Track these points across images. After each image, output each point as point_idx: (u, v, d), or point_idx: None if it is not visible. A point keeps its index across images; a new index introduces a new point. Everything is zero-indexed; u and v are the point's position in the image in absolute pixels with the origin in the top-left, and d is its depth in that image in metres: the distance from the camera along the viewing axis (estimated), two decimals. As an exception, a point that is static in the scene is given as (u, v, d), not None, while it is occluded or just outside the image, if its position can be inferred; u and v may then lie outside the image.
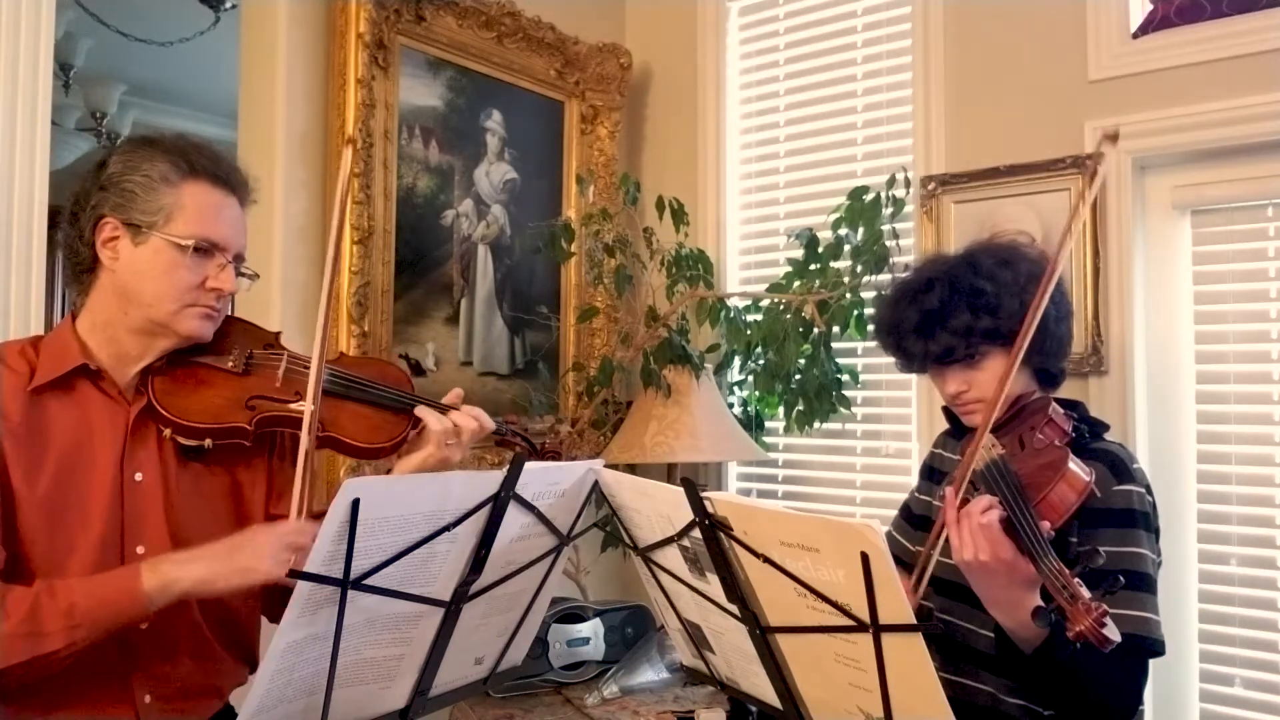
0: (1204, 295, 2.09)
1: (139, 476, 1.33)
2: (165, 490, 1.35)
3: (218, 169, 1.37)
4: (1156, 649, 1.41)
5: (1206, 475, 2.07)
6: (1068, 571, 1.22)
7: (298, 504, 1.28)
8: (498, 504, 1.20)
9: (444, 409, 1.48)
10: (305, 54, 2.12)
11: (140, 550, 1.31)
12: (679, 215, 2.52)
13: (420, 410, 1.46)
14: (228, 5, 3.57)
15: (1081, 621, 1.17)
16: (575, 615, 2.27)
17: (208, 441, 1.37)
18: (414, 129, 2.33)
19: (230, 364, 1.41)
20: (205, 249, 1.33)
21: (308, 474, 1.30)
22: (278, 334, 1.51)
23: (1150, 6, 2.09)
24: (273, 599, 1.46)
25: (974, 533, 1.30)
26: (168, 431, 1.35)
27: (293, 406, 1.39)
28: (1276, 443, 2.00)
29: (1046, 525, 1.29)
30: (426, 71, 2.36)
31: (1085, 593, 1.20)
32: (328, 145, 2.14)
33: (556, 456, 1.64)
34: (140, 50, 4.03)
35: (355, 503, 1.05)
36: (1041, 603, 1.27)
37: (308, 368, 1.41)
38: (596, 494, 1.36)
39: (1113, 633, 1.17)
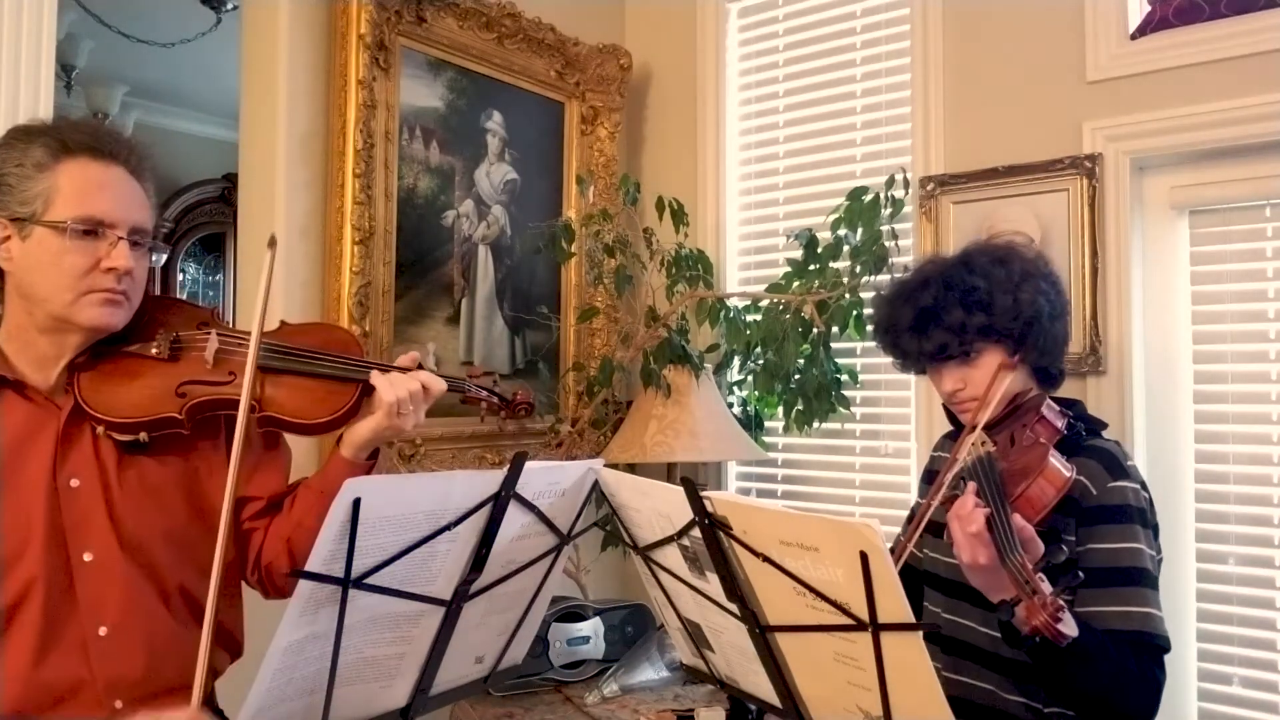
0: (1202, 295, 2.09)
1: (75, 482, 1.28)
2: (106, 492, 1.29)
3: (95, 142, 1.28)
4: (1160, 644, 1.41)
5: (1204, 475, 2.07)
6: (1030, 567, 1.23)
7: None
8: (498, 503, 1.20)
9: (392, 369, 1.41)
10: (306, 55, 2.13)
11: (88, 557, 1.27)
12: (679, 215, 2.52)
13: (375, 378, 1.38)
14: (229, 6, 3.58)
15: (1036, 616, 1.18)
16: (575, 614, 2.27)
17: (143, 435, 1.30)
18: (415, 130, 2.33)
19: (155, 350, 1.34)
20: (91, 229, 1.25)
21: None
22: (214, 309, 1.44)
23: (1148, 7, 2.10)
24: (271, 580, 1.42)
25: (967, 539, 1.32)
26: (101, 430, 1.29)
27: (225, 389, 1.32)
28: (1274, 442, 2.00)
29: (1019, 520, 1.30)
30: (427, 72, 2.36)
31: (1047, 588, 1.21)
32: (329, 146, 2.14)
33: (529, 408, 1.57)
34: (142, 51, 4.05)
35: (356, 502, 1.05)
36: (1007, 598, 1.28)
37: (240, 344, 1.35)
38: (596, 493, 1.37)
39: (1068, 628, 1.18)
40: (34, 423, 1.29)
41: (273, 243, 1.29)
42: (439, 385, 1.42)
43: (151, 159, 1.36)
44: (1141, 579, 1.43)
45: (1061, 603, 1.18)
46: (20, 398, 1.29)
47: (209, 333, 1.37)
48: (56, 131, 1.28)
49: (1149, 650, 1.40)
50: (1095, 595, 1.40)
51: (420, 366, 1.46)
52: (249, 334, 1.31)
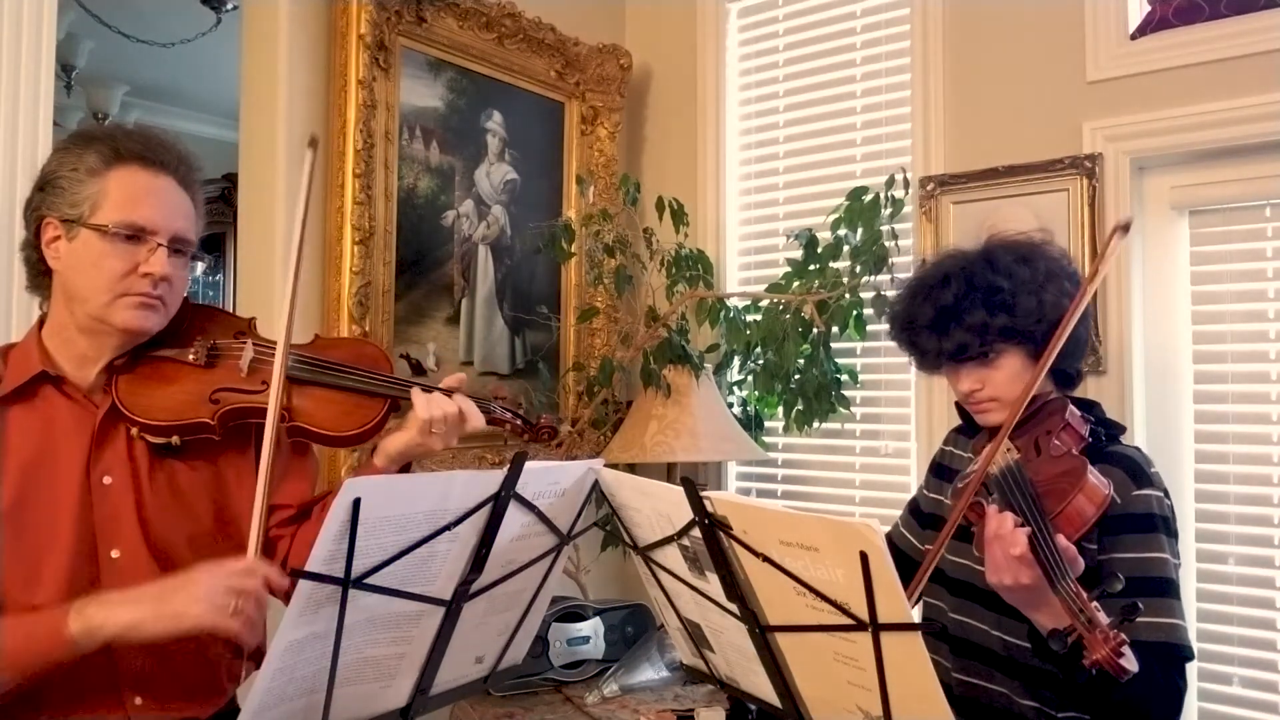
0: (1202, 295, 2.09)
1: (107, 480, 1.31)
2: (137, 491, 1.32)
3: (146, 150, 1.32)
4: (1186, 654, 1.39)
5: (1204, 475, 2.07)
6: (1085, 595, 1.18)
7: (256, 538, 1.23)
8: (498, 503, 1.20)
9: (436, 390, 1.43)
10: (306, 55, 2.13)
11: (115, 554, 1.29)
12: (679, 215, 2.52)
13: (415, 395, 1.42)
14: (229, 6, 3.58)
15: (1098, 650, 1.13)
16: (575, 614, 2.27)
17: (175, 439, 1.34)
18: (415, 130, 2.33)
19: (192, 356, 1.38)
20: (133, 234, 1.29)
21: (265, 501, 1.25)
22: (251, 320, 1.47)
23: (1148, 7, 2.10)
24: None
25: (1009, 560, 1.26)
26: (135, 431, 1.32)
27: (257, 397, 1.35)
28: (1274, 442, 2.00)
29: (1063, 540, 1.25)
30: (427, 72, 2.36)
31: (1103, 618, 1.16)
32: (329, 146, 2.14)
33: (553, 433, 1.59)
34: (142, 51, 4.05)
35: (356, 502, 1.05)
36: (1058, 625, 1.22)
37: (273, 356, 1.37)
38: (596, 493, 1.37)
39: (1130, 663, 1.14)
40: (71, 419, 1.32)
41: (313, 143, 1.35)
42: (476, 419, 1.44)
43: (201, 170, 1.40)
44: (1167, 589, 1.40)
45: (1124, 636, 1.13)
46: (59, 393, 1.32)
47: (245, 342, 1.41)
48: (112, 139, 1.32)
49: (1174, 661, 1.38)
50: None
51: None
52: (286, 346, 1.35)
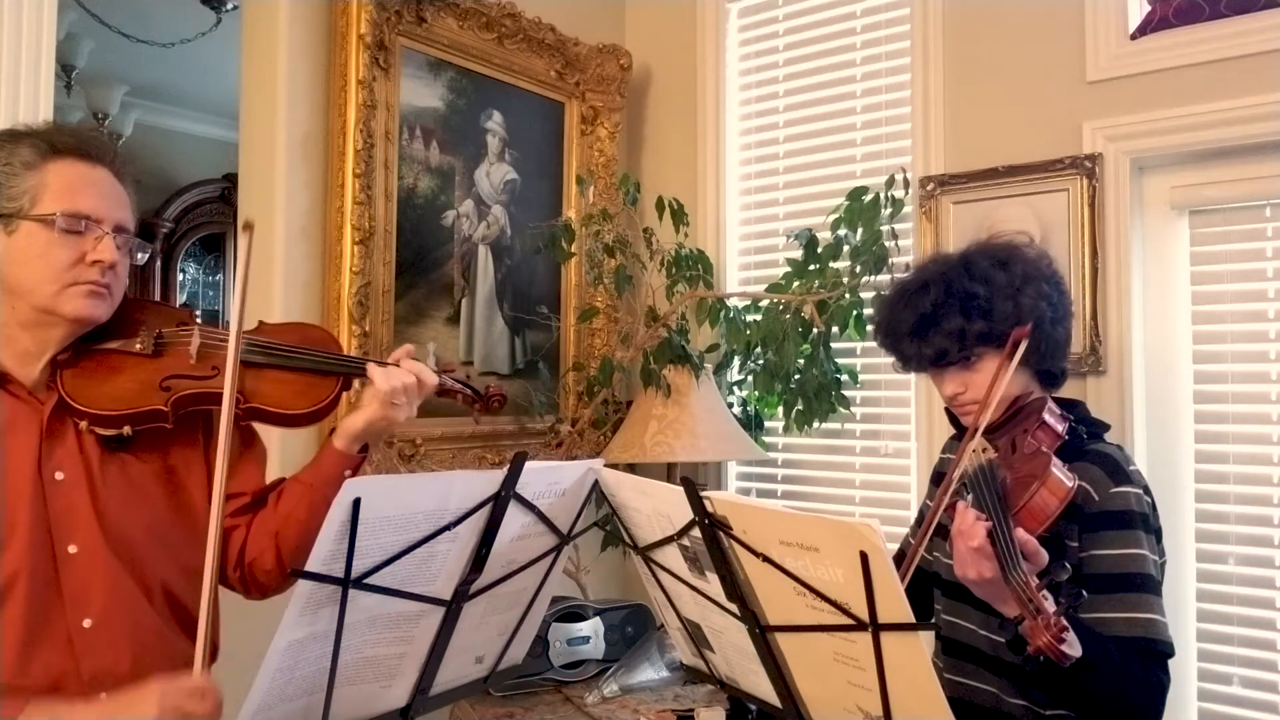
0: (1202, 295, 2.09)
1: (59, 475, 1.29)
2: (90, 485, 1.31)
3: (82, 144, 1.32)
4: (1164, 650, 1.39)
5: (1204, 475, 2.07)
6: (1033, 584, 1.20)
7: (204, 631, 1.18)
8: (498, 503, 1.20)
9: (388, 364, 1.44)
10: (306, 55, 2.13)
11: (72, 550, 1.28)
12: (679, 215, 2.52)
13: (371, 369, 1.43)
14: (229, 6, 3.58)
15: (1040, 637, 1.16)
16: (575, 614, 2.27)
17: (126, 429, 1.32)
18: (415, 130, 2.33)
19: (139, 346, 1.37)
20: (78, 224, 1.28)
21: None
22: (191, 311, 1.46)
23: (1148, 7, 2.10)
24: (254, 577, 1.43)
25: (970, 553, 1.29)
26: (84, 424, 1.31)
27: (210, 383, 1.35)
28: (1274, 442, 2.00)
29: (1022, 533, 1.28)
30: (427, 72, 2.36)
31: (1050, 606, 1.18)
32: (329, 146, 2.14)
33: (502, 400, 1.59)
34: (142, 51, 4.05)
35: (356, 502, 1.05)
36: (1010, 615, 1.25)
37: (221, 341, 1.37)
38: (596, 493, 1.37)
39: (1072, 648, 1.16)
40: (18, 418, 1.30)
41: (248, 226, 1.36)
42: (431, 379, 1.46)
43: (134, 164, 1.40)
44: (1145, 585, 1.42)
45: (1065, 623, 1.16)
46: (3, 392, 1.31)
47: (192, 329, 1.41)
48: (44, 134, 1.32)
49: (1153, 656, 1.39)
50: (1100, 601, 1.39)
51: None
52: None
